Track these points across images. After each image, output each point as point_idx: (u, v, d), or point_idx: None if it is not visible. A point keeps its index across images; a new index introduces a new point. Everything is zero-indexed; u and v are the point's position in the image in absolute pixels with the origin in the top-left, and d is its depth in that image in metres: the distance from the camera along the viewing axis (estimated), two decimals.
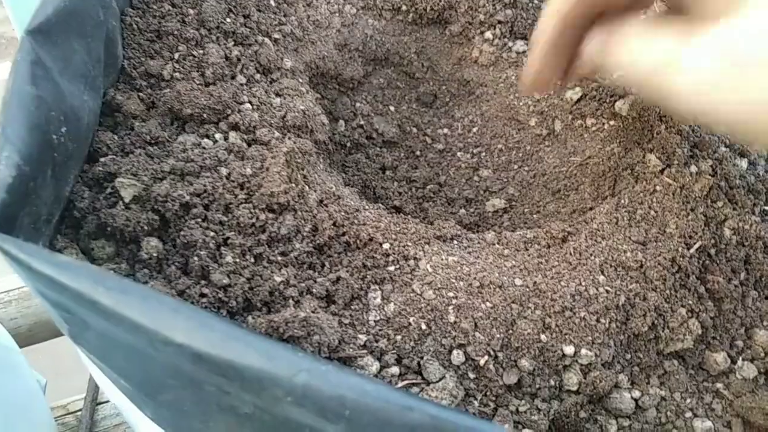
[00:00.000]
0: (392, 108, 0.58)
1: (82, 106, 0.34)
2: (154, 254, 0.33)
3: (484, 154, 0.54)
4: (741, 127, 0.27)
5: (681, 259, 0.36)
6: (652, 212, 0.38)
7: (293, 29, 0.50)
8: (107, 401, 0.63)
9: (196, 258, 0.33)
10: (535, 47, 0.35)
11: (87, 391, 0.63)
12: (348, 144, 0.54)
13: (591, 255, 0.36)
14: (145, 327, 0.23)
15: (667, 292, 0.35)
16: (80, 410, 0.62)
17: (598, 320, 0.34)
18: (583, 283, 0.35)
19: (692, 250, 0.37)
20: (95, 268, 0.23)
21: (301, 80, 0.49)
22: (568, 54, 0.34)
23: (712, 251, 0.38)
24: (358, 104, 0.56)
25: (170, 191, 0.34)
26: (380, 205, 0.46)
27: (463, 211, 0.49)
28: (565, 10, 0.32)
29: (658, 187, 0.40)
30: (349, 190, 0.45)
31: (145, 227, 0.33)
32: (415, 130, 0.57)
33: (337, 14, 0.55)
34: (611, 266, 0.36)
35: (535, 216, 0.47)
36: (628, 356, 0.35)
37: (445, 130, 0.57)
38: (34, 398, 0.54)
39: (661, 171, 0.41)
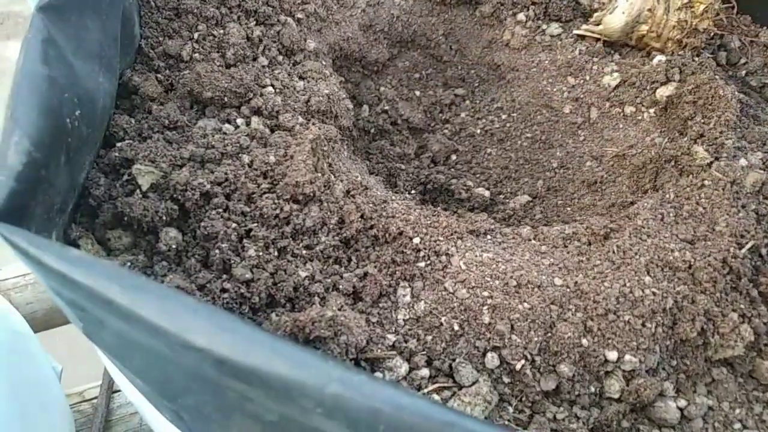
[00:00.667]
0: (418, 93, 0.56)
1: (97, 87, 0.32)
2: (173, 246, 0.31)
3: (514, 142, 0.51)
4: None
5: (732, 259, 0.34)
6: (701, 208, 0.36)
7: (317, 8, 0.48)
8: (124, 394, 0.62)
9: (217, 251, 0.31)
10: None
11: (103, 379, 0.62)
12: (372, 130, 0.52)
13: (636, 254, 0.34)
14: (163, 329, 0.21)
15: (718, 295, 0.33)
16: (96, 398, 0.61)
17: (643, 324, 0.32)
18: (628, 284, 0.32)
19: (744, 250, 0.34)
20: (110, 264, 0.22)
21: (324, 62, 0.47)
22: None
23: (765, 251, 0.36)
24: (382, 88, 0.54)
25: (190, 179, 0.32)
26: (407, 195, 0.44)
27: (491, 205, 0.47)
28: None
29: (706, 182, 0.37)
30: (375, 179, 0.43)
31: (164, 217, 0.31)
32: (441, 116, 0.55)
33: None
34: (657, 266, 0.34)
35: (568, 209, 0.45)
36: (674, 363, 0.33)
37: (474, 116, 0.54)
38: (50, 385, 0.53)
39: (709, 164, 0.38)
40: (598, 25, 0.46)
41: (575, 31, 0.47)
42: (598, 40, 0.48)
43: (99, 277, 0.21)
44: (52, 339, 0.68)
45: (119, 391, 0.61)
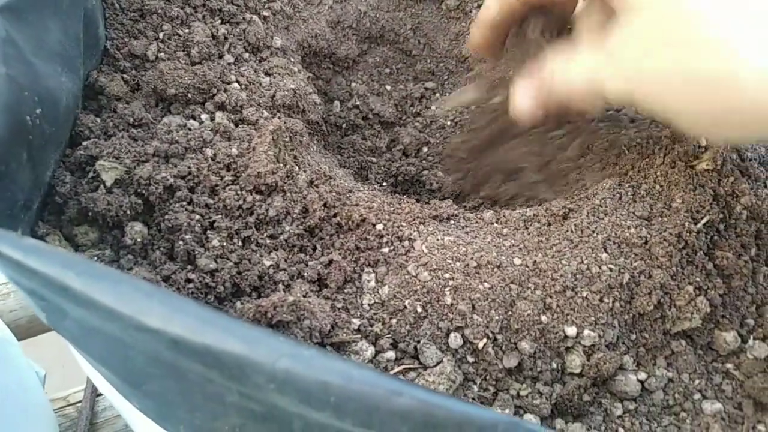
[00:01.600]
0: (389, 87, 0.57)
1: (59, 87, 0.33)
2: (139, 239, 0.32)
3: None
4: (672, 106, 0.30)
5: (688, 234, 0.34)
6: (657, 186, 0.37)
7: (283, 6, 0.48)
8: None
9: (181, 242, 0.32)
10: (477, 23, 0.41)
11: (87, 382, 0.62)
12: (344, 125, 0.52)
13: (593, 232, 0.35)
14: (118, 312, 0.21)
15: (674, 269, 0.34)
16: (81, 401, 0.61)
17: (601, 300, 0.33)
18: (585, 262, 0.33)
19: (699, 225, 0.35)
20: (65, 252, 0.22)
21: (292, 59, 0.47)
22: (505, 33, 0.41)
23: (721, 226, 0.36)
24: (353, 84, 0.55)
25: (153, 174, 0.33)
26: (378, 187, 0.44)
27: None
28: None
29: (661, 160, 0.38)
30: (344, 171, 0.43)
31: (128, 212, 0.32)
32: (412, 109, 0.56)
33: None
34: (614, 243, 0.34)
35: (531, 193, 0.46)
36: (633, 337, 0.34)
37: (441, 109, 0.55)
38: (32, 391, 0.53)
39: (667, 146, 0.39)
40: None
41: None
42: None
43: (54, 264, 0.22)
44: (37, 346, 0.68)
45: (103, 394, 0.61)
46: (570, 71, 0.34)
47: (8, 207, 0.28)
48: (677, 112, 0.30)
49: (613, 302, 0.33)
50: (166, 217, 0.32)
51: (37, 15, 0.31)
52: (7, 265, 0.23)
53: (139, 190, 0.32)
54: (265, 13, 0.47)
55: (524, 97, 0.37)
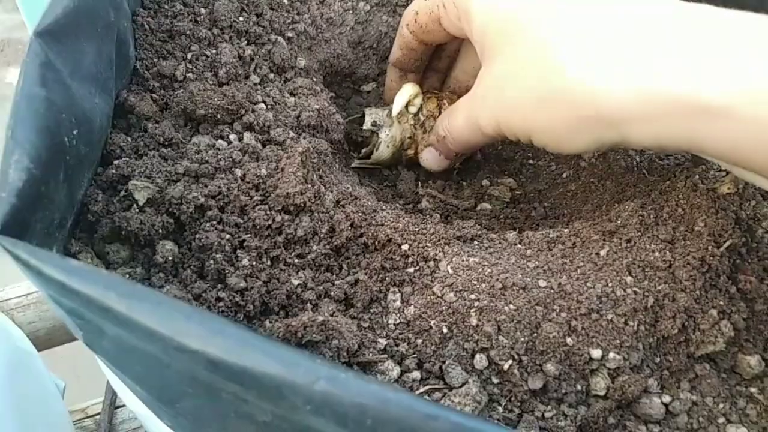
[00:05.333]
0: None
1: (93, 108, 0.33)
2: (170, 258, 0.32)
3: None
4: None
5: (711, 258, 0.35)
6: (680, 210, 0.37)
7: (306, 27, 0.49)
8: (126, 405, 0.62)
9: (211, 261, 0.32)
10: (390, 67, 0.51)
11: (105, 395, 0.63)
12: (362, 143, 0.53)
13: (617, 255, 0.35)
14: (159, 334, 0.22)
15: (697, 292, 0.34)
16: (99, 414, 0.61)
17: (626, 323, 0.33)
18: (610, 284, 0.34)
19: (722, 249, 0.35)
20: (107, 274, 0.23)
21: (315, 79, 0.48)
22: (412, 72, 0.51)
23: (743, 250, 0.37)
24: (372, 103, 0.55)
25: (185, 193, 0.33)
26: (397, 204, 0.45)
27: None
28: (405, 40, 0.47)
29: (683, 183, 0.38)
30: (366, 189, 0.44)
31: (160, 230, 0.33)
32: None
33: (350, 11, 0.54)
34: (639, 266, 0.35)
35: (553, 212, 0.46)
36: (658, 360, 0.34)
37: None
38: (53, 402, 0.54)
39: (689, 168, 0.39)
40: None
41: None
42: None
43: (96, 285, 0.22)
44: (55, 357, 0.68)
45: (121, 406, 0.62)
46: (452, 122, 0.42)
47: (46, 226, 0.28)
48: (537, 131, 0.35)
49: (638, 325, 0.33)
50: (197, 236, 0.33)
51: (74, 38, 0.32)
52: (50, 285, 0.23)
53: (170, 209, 0.33)
54: (290, 34, 0.47)
55: (432, 161, 0.47)
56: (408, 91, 0.47)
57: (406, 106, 0.47)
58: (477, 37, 0.38)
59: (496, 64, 0.36)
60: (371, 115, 0.49)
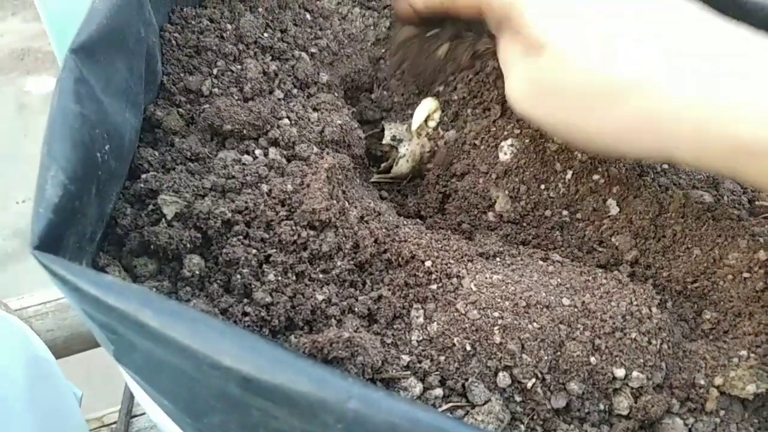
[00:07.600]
0: None
1: (124, 123, 0.34)
2: (197, 272, 0.33)
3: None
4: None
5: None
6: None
7: (329, 43, 0.50)
8: (142, 414, 0.63)
9: (238, 276, 0.33)
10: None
11: (122, 404, 0.63)
12: (381, 157, 0.53)
13: (641, 273, 0.35)
14: (192, 350, 0.22)
15: None
16: (115, 423, 0.62)
17: (649, 342, 0.33)
18: (635, 303, 0.34)
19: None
20: (142, 290, 0.23)
21: (337, 94, 0.49)
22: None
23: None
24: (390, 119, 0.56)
25: (212, 208, 0.34)
26: (418, 220, 0.45)
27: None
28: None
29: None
30: (387, 204, 0.44)
31: (188, 245, 0.33)
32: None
33: (371, 27, 0.55)
34: (662, 285, 0.35)
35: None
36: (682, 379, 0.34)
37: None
38: (71, 410, 0.54)
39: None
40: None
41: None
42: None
43: (131, 301, 0.23)
44: (71, 365, 0.69)
45: (138, 415, 0.62)
46: None
47: (78, 240, 0.29)
48: (594, 132, 0.34)
49: (661, 344, 0.33)
50: (224, 250, 0.33)
51: (106, 54, 0.33)
52: (84, 300, 0.24)
53: (198, 224, 0.33)
54: (313, 50, 0.48)
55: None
56: (427, 106, 0.48)
57: (426, 120, 0.48)
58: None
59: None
60: (390, 130, 0.49)
